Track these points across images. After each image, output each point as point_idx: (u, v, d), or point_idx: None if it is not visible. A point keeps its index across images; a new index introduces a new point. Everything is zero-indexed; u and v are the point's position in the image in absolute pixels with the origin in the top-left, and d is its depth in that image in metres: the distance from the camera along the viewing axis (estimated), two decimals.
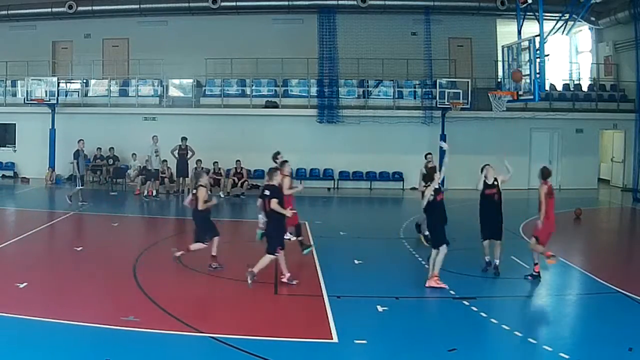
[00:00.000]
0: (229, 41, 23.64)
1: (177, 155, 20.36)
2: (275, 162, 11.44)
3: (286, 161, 11.59)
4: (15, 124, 24.13)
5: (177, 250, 10.46)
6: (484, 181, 10.56)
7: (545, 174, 10.26)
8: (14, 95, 24.22)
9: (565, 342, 7.53)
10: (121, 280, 9.78)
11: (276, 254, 9.51)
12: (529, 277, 10.18)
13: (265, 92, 23.98)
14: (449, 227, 9.82)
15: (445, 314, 8.89)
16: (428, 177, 9.88)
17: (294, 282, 9.60)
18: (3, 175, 24.07)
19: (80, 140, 18.26)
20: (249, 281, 9.30)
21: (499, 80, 19.69)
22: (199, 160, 20.57)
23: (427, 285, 9.55)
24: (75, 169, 17.81)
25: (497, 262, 10.49)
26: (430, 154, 14.09)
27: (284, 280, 9.59)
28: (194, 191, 10.65)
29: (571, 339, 7.89)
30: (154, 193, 19.57)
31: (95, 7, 23.79)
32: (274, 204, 9.42)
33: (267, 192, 9.59)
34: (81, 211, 16.69)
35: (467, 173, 11.36)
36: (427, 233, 11.00)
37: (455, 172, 17.26)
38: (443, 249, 9.54)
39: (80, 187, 17.53)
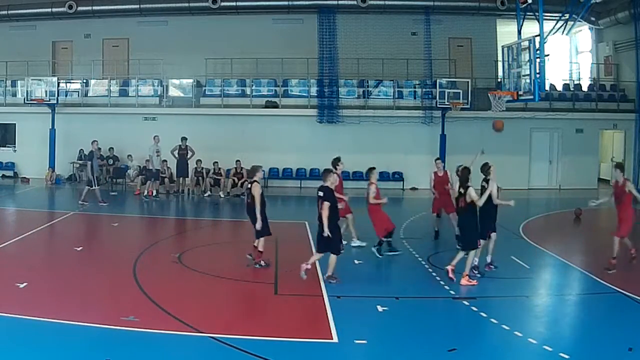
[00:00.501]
0: (229, 41, 23.66)
1: (177, 155, 20.35)
2: (336, 169, 11.35)
3: (373, 168, 12.05)
4: (15, 124, 24.15)
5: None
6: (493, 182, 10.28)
7: (623, 168, 10.72)
8: (14, 95, 24.24)
9: (565, 342, 7.52)
10: (121, 280, 9.78)
11: (341, 251, 9.75)
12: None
13: (265, 92, 23.98)
14: (447, 228, 9.80)
15: (445, 314, 8.89)
16: (464, 179, 9.79)
17: (304, 272, 9.54)
18: (3, 175, 24.06)
19: (94, 141, 18.46)
20: (334, 281, 9.54)
21: (499, 80, 19.69)
22: (199, 160, 20.62)
23: (461, 283, 9.66)
24: (88, 169, 17.86)
25: (490, 257, 10.54)
26: (439, 158, 14.18)
27: (307, 267, 9.54)
28: (249, 186, 10.68)
29: (571, 339, 7.89)
30: (154, 193, 19.56)
31: (95, 7, 23.78)
32: (325, 207, 9.39)
33: (320, 194, 9.60)
34: (81, 211, 16.70)
35: None
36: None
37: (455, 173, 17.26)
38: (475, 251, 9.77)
39: (93, 188, 17.55)
